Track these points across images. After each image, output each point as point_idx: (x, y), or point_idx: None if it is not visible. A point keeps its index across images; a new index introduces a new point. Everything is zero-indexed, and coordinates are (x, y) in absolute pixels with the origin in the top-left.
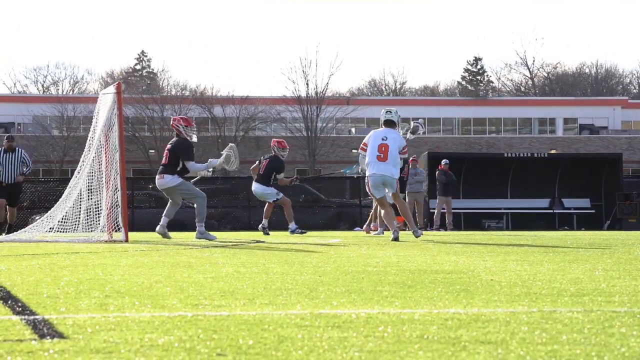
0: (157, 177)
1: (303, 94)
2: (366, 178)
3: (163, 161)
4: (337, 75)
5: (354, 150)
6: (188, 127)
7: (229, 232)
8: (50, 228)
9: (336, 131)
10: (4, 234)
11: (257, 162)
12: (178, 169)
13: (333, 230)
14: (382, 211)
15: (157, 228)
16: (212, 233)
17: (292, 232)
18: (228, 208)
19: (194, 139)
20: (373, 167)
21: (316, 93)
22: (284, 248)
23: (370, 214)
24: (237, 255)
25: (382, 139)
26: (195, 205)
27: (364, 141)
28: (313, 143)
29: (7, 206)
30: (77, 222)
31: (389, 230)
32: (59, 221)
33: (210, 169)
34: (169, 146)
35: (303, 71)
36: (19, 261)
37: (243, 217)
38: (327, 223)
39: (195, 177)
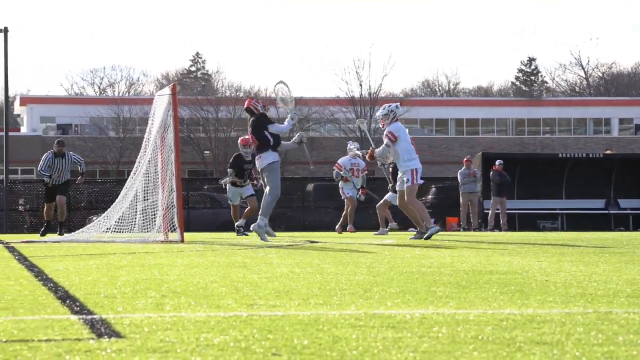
0: (255, 160)
1: (356, 95)
2: (414, 171)
3: (255, 145)
4: (391, 75)
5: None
6: (264, 107)
7: (283, 232)
8: (107, 228)
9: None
10: (56, 234)
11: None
12: (271, 144)
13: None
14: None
15: (260, 235)
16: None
17: (240, 232)
18: (282, 208)
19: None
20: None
21: (369, 94)
22: (338, 248)
23: (344, 214)
24: (291, 256)
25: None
26: (264, 198)
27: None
28: (367, 145)
29: (57, 196)
30: (133, 223)
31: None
32: (115, 222)
33: (299, 141)
34: (249, 130)
35: (356, 72)
36: (77, 261)
37: (297, 217)
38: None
39: (226, 179)
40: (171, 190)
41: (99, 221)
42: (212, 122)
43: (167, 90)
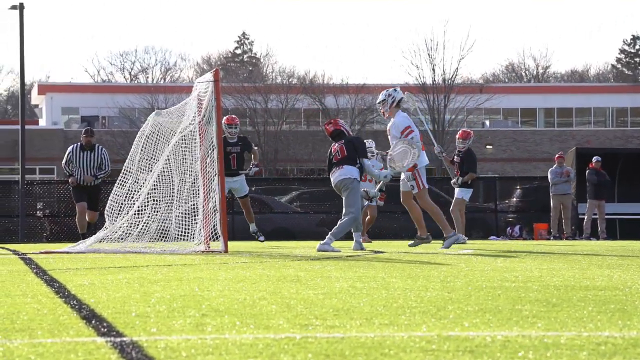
0: (333, 172)
1: (429, 81)
2: (417, 173)
3: (339, 156)
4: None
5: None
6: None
7: (342, 242)
8: (139, 237)
9: (467, 124)
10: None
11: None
12: (357, 165)
13: None
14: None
15: (353, 244)
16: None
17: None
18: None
19: None
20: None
21: (444, 80)
22: (406, 260)
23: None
24: (352, 268)
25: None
26: (342, 219)
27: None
28: (441, 138)
29: (87, 211)
30: (169, 230)
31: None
32: (143, 228)
33: (388, 177)
34: (341, 141)
35: (429, 54)
36: (104, 275)
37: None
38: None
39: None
40: (213, 192)
41: (129, 228)
42: (261, 114)
43: (208, 77)
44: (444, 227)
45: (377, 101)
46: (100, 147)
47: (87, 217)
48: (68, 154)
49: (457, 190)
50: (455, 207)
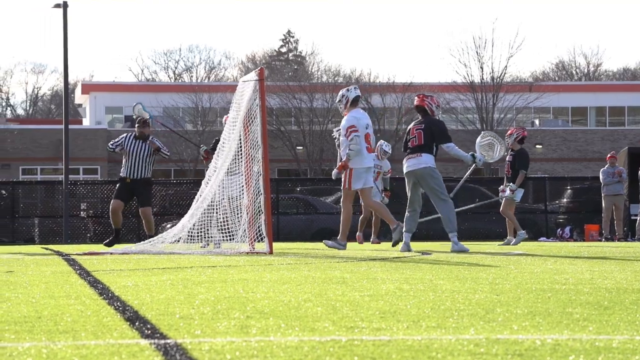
0: (409, 158)
1: (477, 80)
2: (350, 172)
3: (415, 142)
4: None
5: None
6: (438, 108)
7: (389, 243)
8: (182, 237)
9: (516, 123)
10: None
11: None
12: (435, 152)
13: None
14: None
15: (452, 246)
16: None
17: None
18: (394, 214)
19: None
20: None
21: (492, 78)
22: (454, 261)
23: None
24: (399, 270)
25: (366, 127)
26: (439, 211)
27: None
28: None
29: (140, 209)
30: (213, 230)
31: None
32: (193, 230)
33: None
34: (419, 126)
35: (477, 52)
36: (148, 276)
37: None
38: (506, 232)
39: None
40: (258, 193)
41: (173, 229)
42: (306, 113)
43: (253, 76)
44: (390, 220)
45: (336, 101)
46: (152, 137)
47: (141, 215)
48: (120, 139)
49: (507, 190)
50: (506, 207)
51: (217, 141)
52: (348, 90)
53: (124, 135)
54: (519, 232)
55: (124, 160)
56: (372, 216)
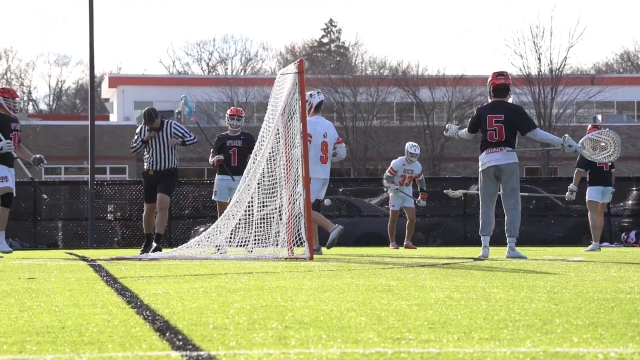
0: (491, 152)
1: (534, 72)
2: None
3: (495, 137)
4: (578, 46)
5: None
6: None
7: (439, 248)
8: (217, 243)
9: (577, 118)
10: (149, 251)
11: None
12: (516, 145)
13: (573, 245)
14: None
15: (508, 252)
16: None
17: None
18: (438, 217)
19: None
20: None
21: (551, 70)
22: (509, 268)
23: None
24: (449, 277)
25: (324, 136)
26: (510, 212)
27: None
28: None
29: (157, 194)
30: (249, 235)
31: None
32: (228, 234)
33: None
34: (498, 117)
35: (534, 42)
36: (180, 283)
37: (457, 229)
38: (566, 236)
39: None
40: (297, 194)
41: (207, 233)
42: (349, 108)
43: (292, 68)
44: (327, 225)
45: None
46: (168, 121)
47: (156, 204)
48: (137, 134)
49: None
50: (591, 210)
51: (220, 139)
52: (311, 95)
53: (139, 130)
54: (594, 242)
55: (145, 154)
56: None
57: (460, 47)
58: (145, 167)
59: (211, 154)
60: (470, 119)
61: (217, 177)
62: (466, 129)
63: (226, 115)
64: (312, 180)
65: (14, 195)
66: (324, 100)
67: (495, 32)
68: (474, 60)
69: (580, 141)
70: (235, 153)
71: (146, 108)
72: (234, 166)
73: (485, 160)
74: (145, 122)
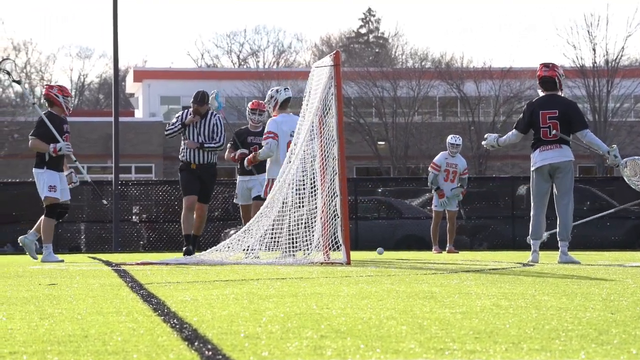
0: (545, 149)
1: (588, 63)
2: (270, 182)
3: (549, 134)
4: (637, 36)
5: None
6: (564, 79)
7: (485, 252)
8: (248, 246)
9: (635, 113)
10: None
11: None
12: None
13: (631, 250)
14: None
15: (560, 257)
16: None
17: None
18: (484, 219)
19: None
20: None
21: (606, 61)
22: (561, 274)
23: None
24: (496, 283)
25: (291, 135)
26: (563, 214)
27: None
28: (602, 130)
29: (197, 204)
30: (282, 238)
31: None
32: (260, 237)
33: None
34: (551, 112)
35: (588, 32)
36: (209, 289)
37: (505, 232)
38: (624, 240)
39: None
40: (333, 194)
41: (237, 236)
42: (389, 103)
43: (328, 60)
44: None
45: (265, 101)
46: (214, 113)
47: (197, 212)
48: (178, 116)
49: None
50: None
51: (239, 134)
52: (277, 91)
53: (180, 113)
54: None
55: (181, 144)
56: (446, 223)
57: (508, 37)
58: (182, 158)
59: (228, 150)
60: (519, 117)
61: (238, 178)
62: (512, 131)
63: (247, 109)
64: (273, 181)
65: (63, 203)
66: (289, 97)
67: (547, 21)
68: (522, 51)
69: (625, 160)
70: (256, 150)
71: (217, 98)
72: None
73: (539, 158)
74: (195, 103)
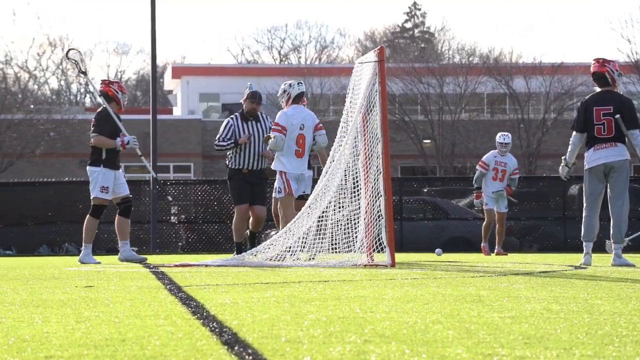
0: (600, 148)
1: None
2: (284, 175)
3: (604, 131)
4: None
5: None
6: (620, 76)
7: (535, 254)
8: (289, 247)
9: None
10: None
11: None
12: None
13: None
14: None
15: (614, 260)
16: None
17: None
18: (534, 220)
19: None
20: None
21: None
22: (615, 277)
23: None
24: (547, 287)
25: (301, 128)
26: (617, 215)
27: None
28: None
29: (253, 207)
30: (324, 240)
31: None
32: (301, 238)
33: None
34: (606, 109)
35: None
36: (249, 292)
37: (556, 233)
38: None
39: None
40: (377, 194)
41: (278, 237)
42: (435, 100)
43: (371, 56)
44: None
45: (278, 95)
46: (266, 115)
47: (252, 216)
48: (229, 128)
49: None
50: None
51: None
52: (290, 85)
53: (228, 122)
54: None
55: (234, 150)
56: (494, 224)
57: (559, 31)
58: (231, 164)
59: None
60: (575, 118)
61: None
62: (572, 137)
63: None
64: (291, 175)
65: (126, 197)
66: (302, 91)
67: (600, 14)
68: (574, 46)
69: None
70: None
71: (252, 89)
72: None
73: (593, 157)
74: (254, 102)
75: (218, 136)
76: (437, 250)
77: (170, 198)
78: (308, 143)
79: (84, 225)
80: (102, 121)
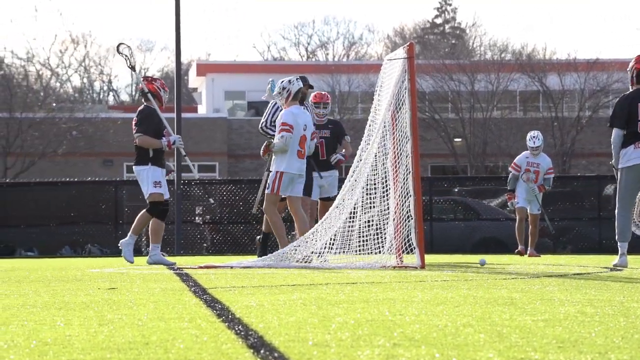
0: (639, 145)
1: None
2: (278, 175)
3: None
4: None
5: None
6: None
7: (569, 256)
8: (315, 249)
9: None
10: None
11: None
12: None
13: None
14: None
15: (619, 259)
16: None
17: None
18: (568, 221)
19: None
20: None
21: None
22: None
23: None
24: (581, 289)
25: (304, 129)
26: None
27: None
28: None
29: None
30: (352, 240)
31: None
32: (328, 239)
33: None
34: None
35: None
36: (275, 294)
37: (591, 234)
38: None
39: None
40: (407, 194)
41: (305, 239)
42: (466, 97)
43: (401, 53)
44: (280, 241)
45: (274, 93)
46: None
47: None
48: (274, 108)
49: None
50: None
51: None
52: (290, 81)
53: (273, 107)
54: None
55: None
56: (527, 225)
57: (594, 27)
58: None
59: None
60: (613, 114)
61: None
62: (613, 134)
63: (310, 101)
64: (290, 175)
65: (165, 200)
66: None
67: (636, 9)
68: (609, 41)
69: None
70: (322, 145)
71: (302, 75)
72: (323, 160)
73: (633, 155)
74: (306, 84)
75: (264, 119)
76: (480, 260)
77: (212, 200)
78: (308, 144)
79: (150, 227)
80: (145, 120)
